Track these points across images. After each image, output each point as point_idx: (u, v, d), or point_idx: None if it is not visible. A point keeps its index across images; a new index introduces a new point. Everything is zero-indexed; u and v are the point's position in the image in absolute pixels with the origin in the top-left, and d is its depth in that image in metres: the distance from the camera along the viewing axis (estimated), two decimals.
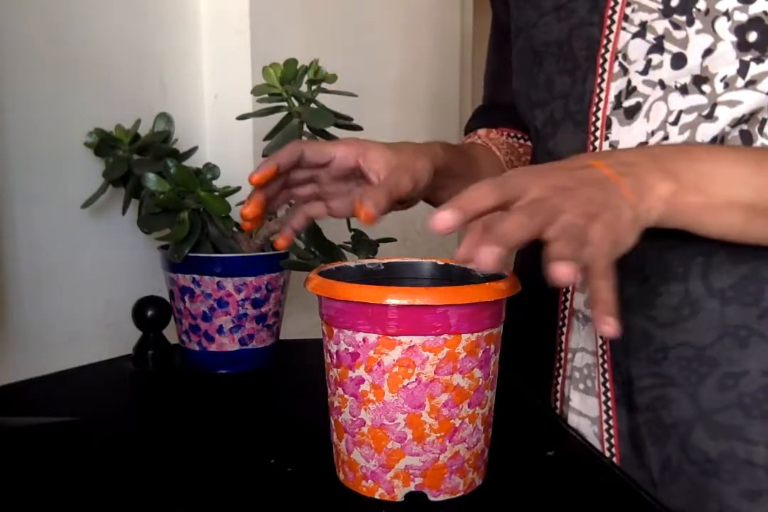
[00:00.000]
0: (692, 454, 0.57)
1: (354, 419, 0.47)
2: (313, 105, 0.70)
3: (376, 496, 0.47)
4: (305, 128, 0.70)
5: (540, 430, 0.62)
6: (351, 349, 0.46)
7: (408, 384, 0.45)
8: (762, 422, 0.55)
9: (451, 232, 0.39)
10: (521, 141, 0.80)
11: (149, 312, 0.75)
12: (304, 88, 0.70)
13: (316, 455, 0.54)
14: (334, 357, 0.48)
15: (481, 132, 0.80)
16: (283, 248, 0.60)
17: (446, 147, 0.65)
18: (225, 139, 0.96)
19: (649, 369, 0.59)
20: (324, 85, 0.70)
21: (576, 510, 0.47)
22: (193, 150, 0.79)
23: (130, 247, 0.85)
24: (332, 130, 0.71)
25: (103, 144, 0.75)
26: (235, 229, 0.76)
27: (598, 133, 0.62)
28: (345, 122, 0.71)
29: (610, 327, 0.40)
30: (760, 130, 0.56)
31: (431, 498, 0.47)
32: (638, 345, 0.59)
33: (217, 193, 0.72)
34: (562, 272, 0.38)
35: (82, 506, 0.47)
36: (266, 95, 0.69)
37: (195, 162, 0.77)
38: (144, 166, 0.72)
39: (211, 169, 0.73)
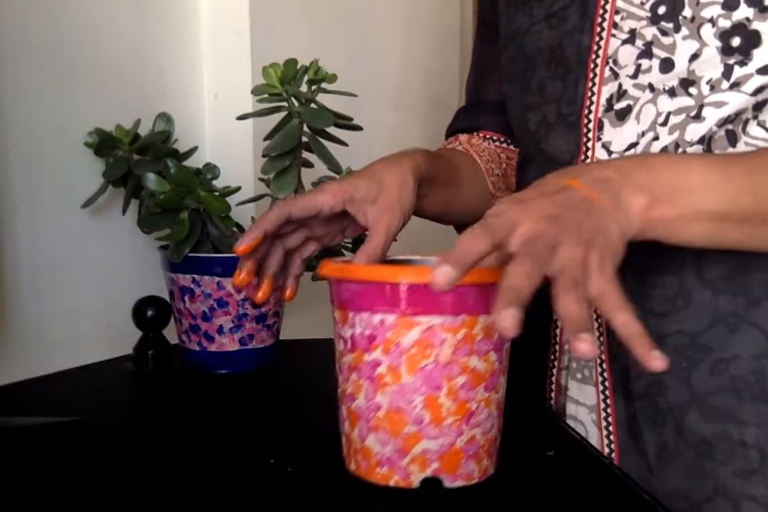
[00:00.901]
0: (688, 437, 0.59)
1: (369, 404, 0.47)
2: (313, 105, 0.70)
3: (391, 484, 0.47)
4: (305, 128, 0.70)
5: (540, 430, 0.62)
6: (368, 332, 0.46)
7: (426, 365, 0.45)
8: (752, 403, 0.58)
9: (453, 286, 0.39)
10: (503, 145, 0.81)
11: (149, 312, 0.75)
12: (304, 88, 0.70)
13: (316, 455, 0.54)
14: (348, 342, 0.48)
15: (463, 138, 0.81)
16: (290, 299, 0.62)
17: (428, 156, 0.66)
18: (225, 139, 0.96)
19: None
20: (324, 85, 0.70)
21: (576, 510, 0.47)
22: (193, 150, 0.79)
23: (130, 246, 0.85)
24: (332, 129, 0.71)
25: (103, 144, 0.75)
26: (235, 229, 0.76)
27: (590, 135, 0.65)
28: (345, 122, 0.71)
29: (660, 361, 0.39)
30: (743, 129, 0.59)
31: (447, 485, 0.47)
32: None
33: (217, 193, 0.72)
34: (583, 348, 0.38)
35: (83, 506, 0.47)
36: (266, 95, 0.69)
37: (195, 162, 0.77)
38: (144, 166, 0.72)
39: (211, 169, 0.73)
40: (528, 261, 0.40)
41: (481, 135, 0.81)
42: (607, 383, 0.63)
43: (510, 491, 0.49)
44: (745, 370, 0.58)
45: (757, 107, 0.59)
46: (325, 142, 0.72)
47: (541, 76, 0.69)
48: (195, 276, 0.72)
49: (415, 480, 0.47)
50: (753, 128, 0.59)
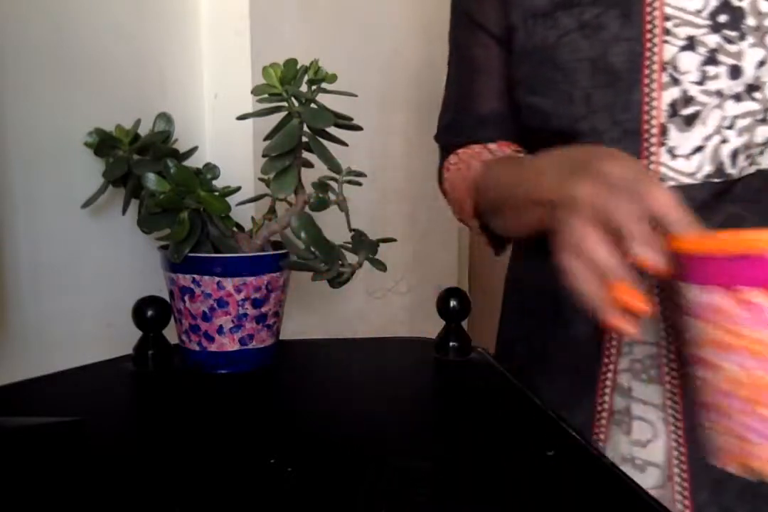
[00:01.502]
0: None
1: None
2: (313, 105, 0.70)
3: None
4: (305, 128, 0.70)
5: (540, 430, 0.62)
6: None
7: None
8: None
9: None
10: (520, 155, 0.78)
11: (149, 312, 0.75)
12: (304, 88, 0.70)
13: (316, 455, 0.54)
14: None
15: (477, 148, 0.78)
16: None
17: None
18: (225, 139, 0.96)
19: None
20: (324, 85, 0.70)
21: (576, 510, 0.47)
22: (194, 150, 0.79)
23: (130, 246, 0.85)
24: (332, 129, 0.71)
25: (103, 144, 0.75)
26: (235, 228, 0.76)
27: (653, 140, 0.68)
28: (345, 122, 0.71)
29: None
30: None
31: None
32: None
33: (217, 193, 0.72)
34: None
35: (83, 506, 0.47)
36: (266, 95, 0.69)
37: (195, 162, 0.77)
38: (144, 166, 0.72)
39: (211, 169, 0.73)
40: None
41: (495, 146, 0.78)
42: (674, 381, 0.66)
43: (510, 491, 0.49)
44: None
45: None
46: (325, 142, 0.72)
47: (584, 86, 0.69)
48: (195, 276, 0.72)
49: None
50: None
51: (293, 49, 0.76)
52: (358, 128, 0.73)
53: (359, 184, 0.77)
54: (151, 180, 0.70)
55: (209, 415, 0.63)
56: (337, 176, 0.75)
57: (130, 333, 0.76)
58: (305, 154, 0.72)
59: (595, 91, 0.69)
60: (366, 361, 0.80)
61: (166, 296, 0.76)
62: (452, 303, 0.79)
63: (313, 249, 0.71)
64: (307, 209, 0.74)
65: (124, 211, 0.77)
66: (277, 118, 0.71)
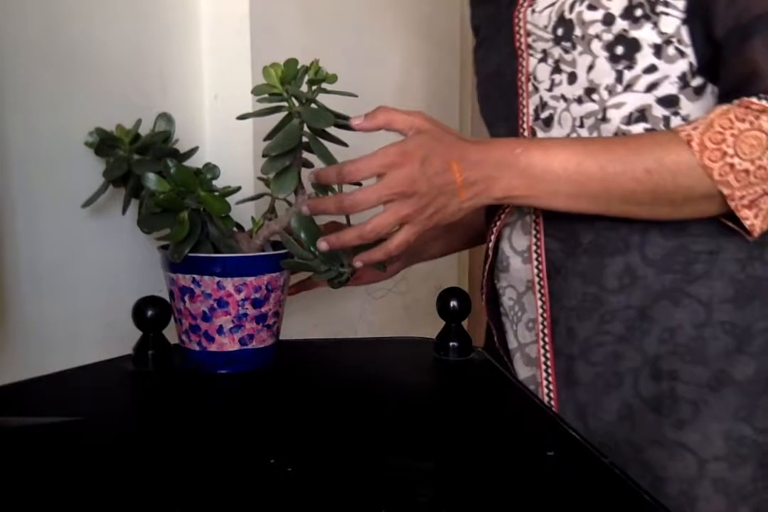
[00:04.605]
0: (643, 394, 0.70)
1: None
2: (313, 105, 0.70)
3: None
4: (305, 128, 0.70)
5: (540, 430, 0.62)
6: None
7: None
8: (692, 365, 0.69)
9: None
10: None
11: (149, 312, 0.75)
12: (304, 88, 0.70)
13: (316, 455, 0.54)
14: None
15: None
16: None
17: None
18: (225, 139, 0.96)
19: (601, 328, 0.72)
20: (324, 85, 0.70)
21: (576, 510, 0.47)
22: (194, 150, 0.79)
23: (130, 246, 0.85)
24: (332, 129, 0.71)
25: (104, 144, 0.75)
26: (235, 228, 0.76)
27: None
28: (345, 122, 0.71)
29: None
30: (666, 125, 0.68)
31: None
32: (591, 309, 0.73)
33: (217, 193, 0.72)
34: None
35: (83, 506, 0.47)
36: (266, 95, 0.69)
37: (195, 162, 0.77)
38: (144, 166, 0.72)
39: (211, 169, 0.73)
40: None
41: None
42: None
43: (510, 491, 0.49)
44: (687, 338, 0.69)
45: (667, 103, 0.68)
46: (325, 142, 0.72)
47: (494, 97, 0.81)
48: (195, 276, 0.72)
49: None
50: (677, 123, 0.67)
51: (293, 49, 0.76)
52: None
53: (359, 184, 0.77)
54: (151, 180, 0.70)
55: (209, 415, 0.64)
56: None
57: (130, 333, 0.76)
58: (305, 154, 0.72)
59: (498, 101, 0.80)
60: (366, 361, 0.80)
61: (166, 296, 0.76)
62: (452, 303, 0.79)
63: (313, 249, 0.71)
64: None
65: (124, 211, 0.77)
66: (277, 118, 0.71)
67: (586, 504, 0.48)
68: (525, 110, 0.76)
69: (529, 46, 0.75)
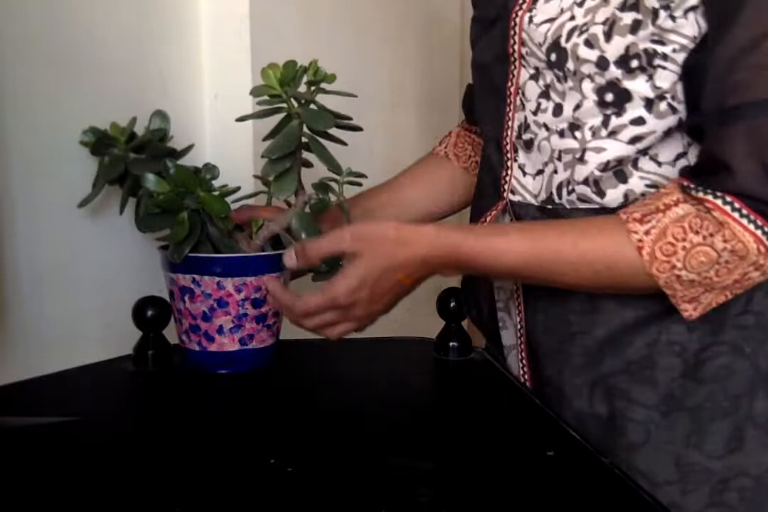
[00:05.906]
0: (595, 409, 0.70)
1: None
2: (312, 106, 0.70)
3: None
4: (305, 129, 0.70)
5: (540, 430, 0.62)
6: None
7: None
8: (642, 387, 0.68)
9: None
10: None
11: (149, 312, 0.75)
12: (303, 88, 0.70)
13: (316, 455, 0.54)
14: None
15: (454, 132, 0.93)
16: None
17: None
18: (225, 139, 0.96)
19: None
20: (323, 85, 0.70)
21: (576, 510, 0.48)
22: (190, 147, 0.79)
23: (130, 247, 0.85)
24: (332, 129, 0.71)
25: (99, 143, 0.75)
26: (235, 228, 0.76)
27: (509, 155, 0.74)
28: (345, 122, 0.71)
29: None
30: (635, 165, 0.66)
31: None
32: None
33: (216, 193, 0.72)
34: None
35: (83, 506, 0.47)
36: (266, 96, 0.69)
37: (194, 162, 0.77)
38: (141, 166, 0.72)
39: (211, 170, 0.73)
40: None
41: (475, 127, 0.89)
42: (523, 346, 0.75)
43: (510, 491, 0.50)
44: (638, 356, 0.68)
45: (642, 152, 0.65)
46: (325, 142, 0.72)
47: (485, 92, 0.77)
48: (195, 276, 0.72)
49: None
50: (645, 163, 0.66)
51: (293, 49, 0.76)
52: (358, 128, 0.73)
53: (359, 184, 0.77)
54: (151, 181, 0.69)
55: (209, 415, 0.64)
56: (337, 177, 0.75)
57: (130, 333, 0.76)
58: (305, 154, 0.72)
59: (487, 97, 0.77)
60: (366, 361, 0.80)
61: (166, 296, 0.76)
62: (452, 303, 0.79)
63: None
64: (307, 209, 0.74)
65: (121, 211, 0.77)
66: (277, 117, 0.71)
67: (586, 504, 0.48)
68: (510, 123, 0.73)
69: (522, 56, 0.70)
